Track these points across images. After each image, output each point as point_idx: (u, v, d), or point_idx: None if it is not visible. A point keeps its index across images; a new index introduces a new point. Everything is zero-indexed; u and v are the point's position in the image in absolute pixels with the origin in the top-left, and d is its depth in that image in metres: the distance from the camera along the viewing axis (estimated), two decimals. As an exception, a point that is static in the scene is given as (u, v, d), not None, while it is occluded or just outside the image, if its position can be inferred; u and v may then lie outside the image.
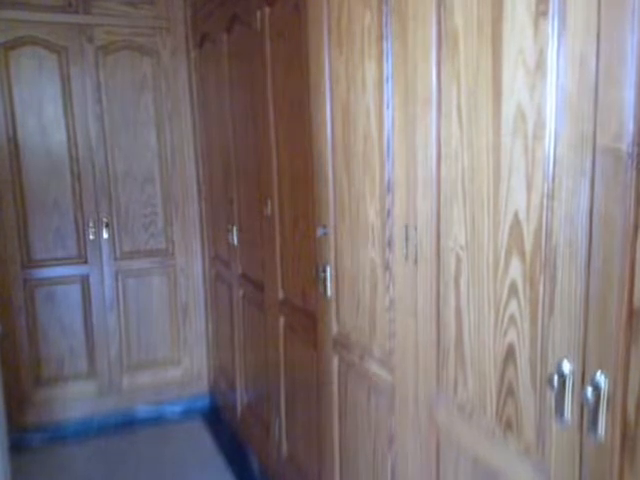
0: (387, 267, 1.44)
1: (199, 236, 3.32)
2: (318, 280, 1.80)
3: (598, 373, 0.84)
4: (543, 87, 0.91)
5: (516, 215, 0.99)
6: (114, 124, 3.09)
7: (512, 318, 1.02)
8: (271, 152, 2.16)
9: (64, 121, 2.98)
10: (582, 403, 0.87)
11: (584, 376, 0.87)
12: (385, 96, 1.37)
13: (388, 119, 1.37)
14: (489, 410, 1.10)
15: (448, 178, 1.17)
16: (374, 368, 1.54)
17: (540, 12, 0.90)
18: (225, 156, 2.77)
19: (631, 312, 0.79)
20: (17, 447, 2.93)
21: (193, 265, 3.33)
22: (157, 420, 3.24)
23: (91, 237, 3.07)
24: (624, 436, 0.81)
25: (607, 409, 0.83)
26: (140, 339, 3.27)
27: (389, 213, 1.40)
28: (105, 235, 3.10)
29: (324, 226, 1.75)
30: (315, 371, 1.92)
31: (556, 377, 0.90)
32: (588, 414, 0.86)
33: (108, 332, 3.17)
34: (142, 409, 3.26)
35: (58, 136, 2.98)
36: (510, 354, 1.04)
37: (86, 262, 3.10)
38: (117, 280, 3.18)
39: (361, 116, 1.49)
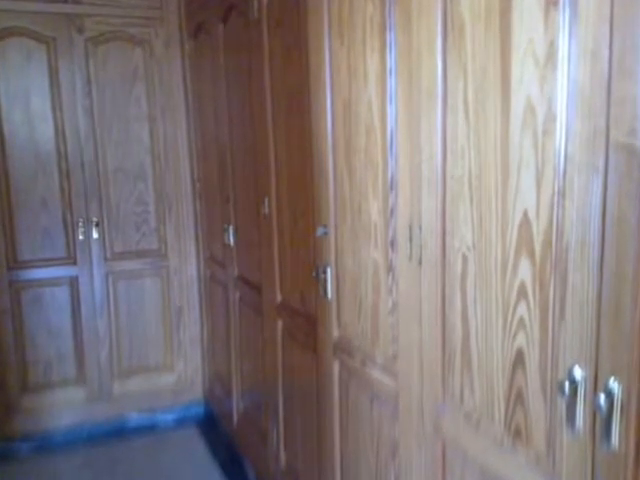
0: (390, 268, 1.44)
1: (193, 236, 3.32)
2: (318, 282, 1.80)
3: (611, 379, 0.84)
4: (554, 80, 0.91)
5: (525, 214, 0.99)
6: (104, 118, 3.09)
7: (521, 321, 1.02)
8: (269, 148, 2.16)
9: (52, 115, 2.98)
10: (594, 411, 0.87)
11: (597, 382, 0.87)
12: (388, 89, 1.37)
13: (391, 113, 1.37)
14: (497, 418, 1.10)
15: (454, 175, 1.17)
16: (376, 374, 1.54)
17: (551, 1, 0.90)
18: (221, 152, 2.77)
19: (646, 315, 0.79)
20: (3, 457, 2.94)
21: (187, 266, 3.33)
22: (149, 428, 3.24)
23: (80, 237, 3.07)
24: (638, 445, 0.81)
25: (621, 417, 0.83)
26: (131, 343, 3.27)
27: (392, 212, 1.40)
28: (95, 235, 3.10)
29: (324, 225, 1.75)
30: (315, 377, 1.92)
31: (567, 383, 0.90)
32: (601, 422, 0.85)
33: (98, 336, 3.18)
34: (134, 417, 3.26)
35: (46, 131, 2.98)
36: (519, 359, 1.04)
37: (75, 263, 3.10)
38: (107, 282, 3.18)
39: (363, 110, 1.49)
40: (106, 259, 3.16)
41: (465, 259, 1.16)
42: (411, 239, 1.31)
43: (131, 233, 3.21)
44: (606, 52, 0.80)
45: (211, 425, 3.26)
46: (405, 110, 1.30)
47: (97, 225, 3.10)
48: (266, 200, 2.21)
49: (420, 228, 1.28)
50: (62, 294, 3.11)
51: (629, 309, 0.80)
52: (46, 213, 3.02)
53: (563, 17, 0.88)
